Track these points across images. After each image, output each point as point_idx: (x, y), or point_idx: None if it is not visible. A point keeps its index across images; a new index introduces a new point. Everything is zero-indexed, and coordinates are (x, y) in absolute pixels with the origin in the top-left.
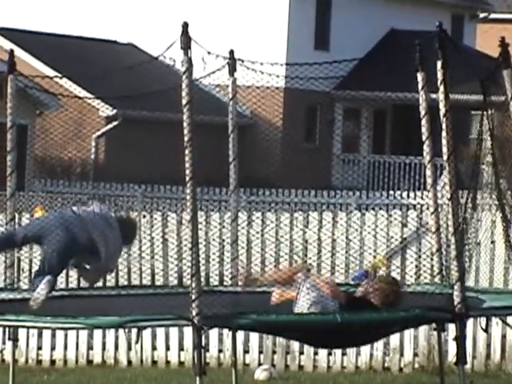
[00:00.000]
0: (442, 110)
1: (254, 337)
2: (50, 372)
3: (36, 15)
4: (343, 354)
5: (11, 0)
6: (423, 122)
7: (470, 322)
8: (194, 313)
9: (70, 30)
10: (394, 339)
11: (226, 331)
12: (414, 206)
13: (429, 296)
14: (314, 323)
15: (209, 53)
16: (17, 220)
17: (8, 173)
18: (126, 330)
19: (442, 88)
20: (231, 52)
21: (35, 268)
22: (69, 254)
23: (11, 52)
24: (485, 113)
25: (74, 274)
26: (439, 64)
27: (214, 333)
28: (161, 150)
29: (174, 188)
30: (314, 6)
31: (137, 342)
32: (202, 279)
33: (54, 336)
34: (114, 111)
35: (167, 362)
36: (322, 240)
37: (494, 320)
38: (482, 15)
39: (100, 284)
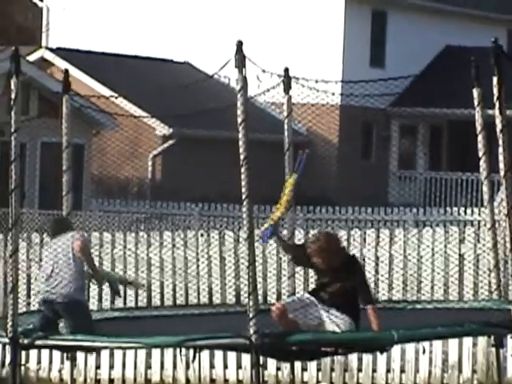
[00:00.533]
0: (499, 126)
1: None
2: None
3: (91, 35)
4: (402, 372)
5: (67, 20)
6: (479, 137)
7: None
8: (251, 331)
9: (126, 50)
10: (453, 355)
11: None
12: (472, 222)
13: (486, 312)
14: (371, 341)
15: (263, 71)
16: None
17: (64, 193)
18: (184, 350)
19: (497, 104)
20: (286, 70)
21: (93, 287)
22: None
23: (66, 72)
24: None
25: (131, 293)
26: (495, 80)
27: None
28: (217, 168)
29: (230, 206)
30: (369, 22)
31: (193, 361)
32: (260, 297)
33: (112, 355)
34: (170, 130)
35: (225, 381)
36: (379, 257)
37: None
38: None
39: (158, 303)
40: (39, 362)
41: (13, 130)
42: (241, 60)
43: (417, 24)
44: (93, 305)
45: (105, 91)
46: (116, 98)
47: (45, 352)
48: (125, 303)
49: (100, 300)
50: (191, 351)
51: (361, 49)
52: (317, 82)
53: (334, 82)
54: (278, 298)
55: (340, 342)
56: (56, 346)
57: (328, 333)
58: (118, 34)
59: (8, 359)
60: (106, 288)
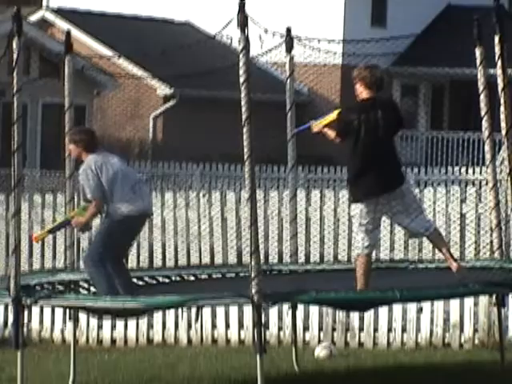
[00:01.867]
0: (500, 85)
1: (314, 314)
2: (110, 351)
3: None
4: (403, 331)
5: None
6: (481, 97)
7: None
8: (253, 291)
9: (127, 10)
10: (454, 315)
11: (285, 309)
12: (473, 181)
13: (488, 271)
14: (374, 300)
15: (266, 31)
16: (76, 200)
17: (67, 153)
18: (186, 309)
19: (499, 63)
20: (288, 30)
21: None
22: None
23: (68, 33)
24: None
25: (133, 253)
26: (496, 39)
27: (273, 311)
28: (219, 128)
29: (232, 166)
30: None
31: (196, 321)
32: (261, 257)
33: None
34: (172, 90)
35: (227, 341)
36: None
37: None
38: None
39: (160, 264)
40: (41, 323)
41: (15, 90)
42: (243, 20)
43: None
44: None
45: (106, 52)
46: (119, 57)
47: (47, 312)
48: (126, 263)
49: None
50: (193, 311)
51: (362, 8)
52: (319, 41)
53: (337, 41)
54: (280, 258)
55: (344, 303)
56: (59, 305)
57: (331, 293)
58: None
59: (11, 319)
60: None
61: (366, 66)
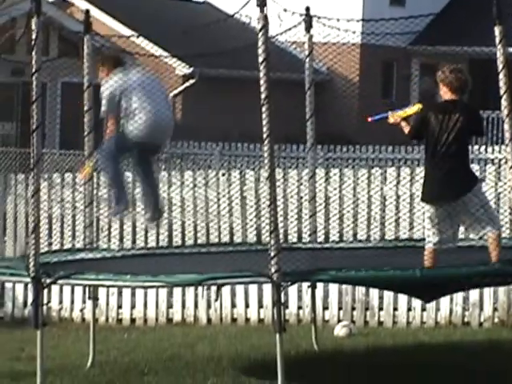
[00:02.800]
0: None
1: (334, 293)
2: (130, 330)
3: None
4: (423, 310)
5: None
6: (501, 76)
7: None
8: (273, 269)
9: None
10: (474, 294)
11: (305, 288)
12: (492, 160)
13: (508, 250)
14: (394, 278)
15: (285, 10)
16: (95, 179)
17: (86, 133)
18: (205, 288)
19: None
20: (307, 9)
21: (114, 227)
22: None
23: (87, 12)
24: None
25: (153, 232)
26: None
27: (293, 289)
28: (238, 107)
29: (251, 146)
30: None
31: (216, 300)
32: (281, 236)
33: (133, 295)
34: (191, 69)
35: (247, 320)
36: (399, 195)
37: None
38: None
39: (179, 242)
40: (61, 302)
41: (34, 69)
42: None
43: None
44: (114, 244)
45: (125, 31)
46: (137, 37)
47: (67, 292)
48: (146, 242)
49: (121, 239)
50: (213, 290)
51: None
52: (338, 20)
53: (356, 20)
54: (299, 237)
55: (363, 280)
56: (78, 284)
57: (352, 271)
58: None
59: (30, 299)
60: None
61: (450, 70)
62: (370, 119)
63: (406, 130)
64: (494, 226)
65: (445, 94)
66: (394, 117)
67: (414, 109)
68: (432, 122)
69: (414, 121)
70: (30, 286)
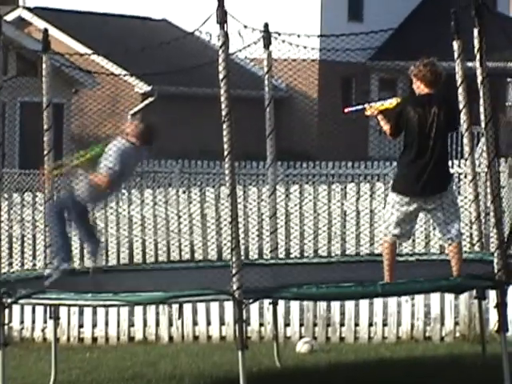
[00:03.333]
0: (479, 78)
1: (295, 310)
2: (91, 349)
3: None
4: (384, 325)
5: None
6: (460, 90)
7: (511, 289)
8: (234, 287)
9: (104, 8)
10: (435, 308)
11: (266, 305)
12: (452, 174)
13: (469, 264)
14: (355, 294)
15: (245, 26)
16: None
17: (45, 152)
18: (167, 306)
19: (478, 56)
20: (266, 25)
21: (75, 246)
22: None
23: (45, 30)
24: None
25: (114, 250)
26: (476, 32)
27: (254, 307)
28: (198, 124)
29: (211, 163)
30: None
31: (179, 318)
32: (242, 253)
33: (95, 313)
34: (150, 87)
35: (208, 337)
36: (360, 211)
37: None
38: None
39: (140, 260)
40: (22, 322)
41: None
42: (222, 15)
43: None
44: (75, 263)
45: (83, 50)
46: (98, 55)
47: (28, 312)
48: (107, 261)
49: (82, 258)
50: (174, 308)
51: (339, 3)
52: (299, 36)
53: (316, 36)
54: (260, 253)
55: (325, 296)
56: (39, 304)
57: (313, 288)
58: None
59: None
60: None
61: (424, 64)
62: (346, 110)
63: (386, 127)
64: (458, 235)
65: (419, 88)
66: (370, 109)
67: (392, 102)
68: (411, 117)
69: (393, 118)
70: None
